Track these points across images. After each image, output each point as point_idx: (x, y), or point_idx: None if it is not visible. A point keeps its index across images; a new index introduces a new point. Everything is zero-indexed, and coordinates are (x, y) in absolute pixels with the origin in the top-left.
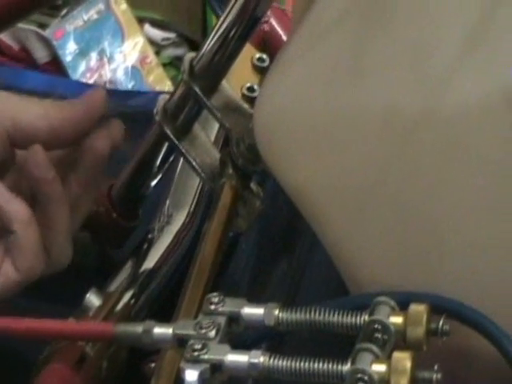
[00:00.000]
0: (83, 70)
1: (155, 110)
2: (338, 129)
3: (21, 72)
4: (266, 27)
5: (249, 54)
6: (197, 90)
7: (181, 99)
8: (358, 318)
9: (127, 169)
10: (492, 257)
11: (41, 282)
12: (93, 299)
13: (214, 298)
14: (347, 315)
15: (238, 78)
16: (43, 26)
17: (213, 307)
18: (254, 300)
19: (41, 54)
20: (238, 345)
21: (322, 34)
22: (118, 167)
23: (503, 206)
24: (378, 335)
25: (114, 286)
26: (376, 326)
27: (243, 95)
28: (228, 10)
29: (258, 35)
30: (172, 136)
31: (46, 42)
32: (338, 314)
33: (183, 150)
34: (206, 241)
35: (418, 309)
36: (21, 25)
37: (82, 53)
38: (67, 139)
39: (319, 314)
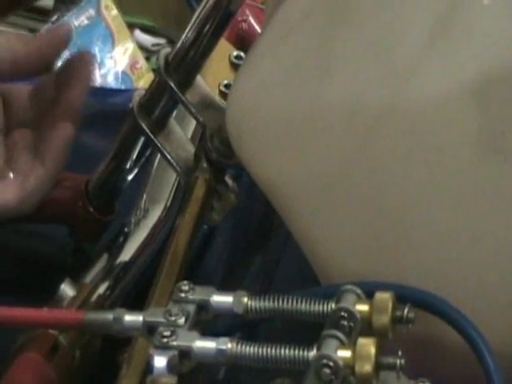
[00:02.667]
0: None
1: (131, 105)
2: (305, 123)
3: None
4: (243, 25)
5: (226, 51)
6: (172, 84)
7: (156, 94)
8: (325, 305)
9: (103, 163)
10: (456, 247)
11: (15, 275)
12: (67, 290)
13: (184, 286)
14: (315, 303)
15: (216, 75)
16: (33, 31)
17: (183, 295)
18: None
19: None
20: (211, 335)
21: (289, 30)
22: (97, 162)
23: (466, 197)
24: (344, 322)
25: (88, 278)
26: (342, 313)
27: (221, 92)
28: (202, 5)
29: (236, 33)
30: (147, 130)
31: None
32: (306, 302)
33: (158, 145)
34: (179, 233)
35: (384, 297)
36: (11, 30)
37: None
38: (30, 71)
39: (287, 302)
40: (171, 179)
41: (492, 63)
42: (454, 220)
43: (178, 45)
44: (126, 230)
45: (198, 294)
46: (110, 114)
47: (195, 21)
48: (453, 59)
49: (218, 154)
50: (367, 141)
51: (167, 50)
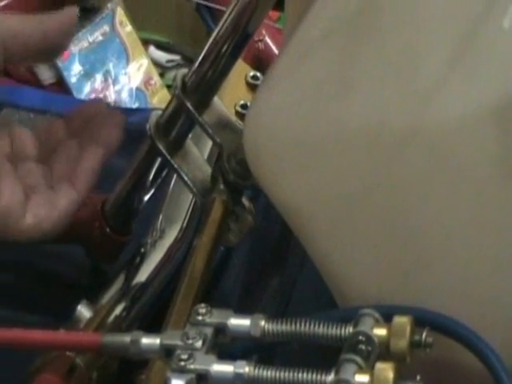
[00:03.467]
0: (88, 91)
1: (148, 126)
2: (325, 144)
3: (18, 89)
4: (260, 45)
5: (243, 71)
6: (189, 105)
7: (173, 115)
8: (343, 329)
9: (120, 184)
10: (478, 271)
11: (34, 295)
12: (83, 311)
13: (202, 308)
14: (332, 327)
15: (233, 96)
16: None
17: (200, 318)
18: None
19: (46, 76)
20: (228, 356)
21: (309, 50)
22: (113, 182)
23: (486, 219)
24: (362, 347)
25: (105, 299)
26: (360, 337)
27: (237, 112)
28: (220, 25)
29: (253, 53)
30: (164, 151)
31: (52, 63)
32: (324, 326)
33: (175, 166)
34: (196, 255)
35: (402, 321)
36: None
37: (87, 74)
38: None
39: (305, 326)
40: (188, 200)
41: None
42: (474, 242)
43: (195, 65)
44: (142, 250)
45: (215, 317)
46: (127, 133)
47: (213, 41)
48: (474, 81)
49: (234, 175)
50: (388, 163)
51: (184, 70)
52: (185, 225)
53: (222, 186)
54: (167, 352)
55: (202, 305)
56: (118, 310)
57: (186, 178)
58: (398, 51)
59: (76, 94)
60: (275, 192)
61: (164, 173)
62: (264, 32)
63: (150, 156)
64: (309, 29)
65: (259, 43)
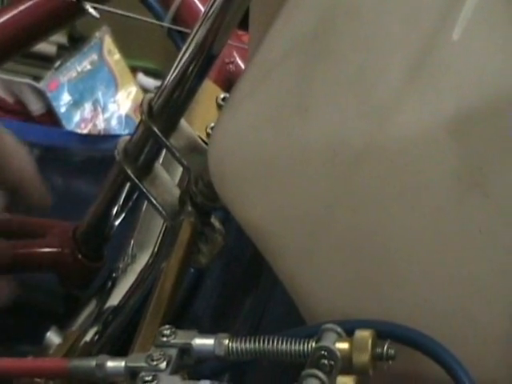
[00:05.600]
0: (77, 121)
1: (116, 151)
2: (285, 164)
3: (18, 125)
4: (231, 67)
5: (214, 93)
6: (155, 130)
7: (141, 139)
8: (306, 345)
9: (91, 210)
10: (440, 283)
11: (6, 324)
12: (53, 337)
13: (166, 330)
14: (295, 343)
15: (204, 118)
16: (37, 78)
17: (164, 339)
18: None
19: (36, 106)
20: (198, 377)
21: (269, 72)
22: (86, 209)
23: (448, 233)
24: (325, 361)
25: (76, 324)
26: (322, 352)
27: (208, 134)
28: (185, 48)
29: (224, 75)
30: (133, 176)
31: (41, 94)
32: (287, 343)
33: (144, 190)
34: (164, 277)
35: (363, 334)
36: (15, 78)
37: (76, 103)
38: None
39: (268, 343)
40: (159, 225)
41: (468, 99)
42: (437, 257)
43: (161, 88)
44: (114, 275)
45: (179, 337)
46: (100, 159)
47: (178, 64)
48: (429, 96)
49: (202, 196)
50: (347, 180)
51: (150, 95)
52: (156, 249)
53: (190, 208)
54: (132, 374)
55: (167, 326)
56: (90, 334)
57: (154, 202)
58: (354, 70)
59: (65, 124)
60: (240, 212)
61: (134, 197)
62: (235, 54)
63: (120, 181)
64: (268, 50)
65: (230, 65)
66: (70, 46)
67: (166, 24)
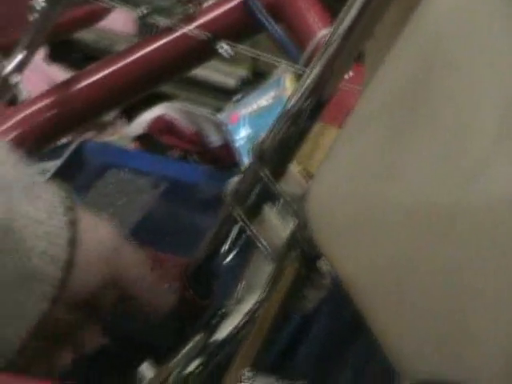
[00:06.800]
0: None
1: (225, 192)
2: (372, 219)
3: (127, 151)
4: None
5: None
6: (265, 174)
7: (250, 182)
8: None
9: (200, 248)
10: None
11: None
12: (146, 371)
13: (247, 373)
14: None
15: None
16: (218, 109)
17: (244, 383)
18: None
19: (214, 138)
20: None
21: (367, 123)
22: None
23: None
24: None
25: (173, 359)
26: None
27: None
28: (297, 90)
29: None
30: (241, 217)
31: (219, 127)
32: None
33: (253, 232)
34: (260, 320)
35: None
36: (197, 109)
37: (251, 139)
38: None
39: None
40: (268, 269)
41: None
42: None
43: (272, 131)
44: (220, 312)
45: (258, 382)
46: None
47: (288, 109)
48: None
49: (308, 243)
50: (435, 240)
51: (261, 139)
52: (264, 293)
53: (295, 254)
54: None
55: (247, 369)
56: (192, 367)
57: (261, 245)
58: (447, 128)
59: (242, 158)
60: (335, 263)
61: (243, 237)
62: None
63: (229, 221)
64: (368, 101)
65: None
66: (252, 80)
67: (297, 67)
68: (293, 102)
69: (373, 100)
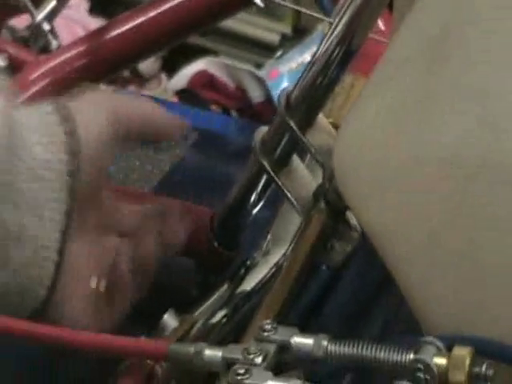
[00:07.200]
0: None
1: (253, 143)
2: (402, 170)
3: (179, 108)
4: None
5: None
6: (292, 124)
7: (277, 133)
8: (404, 355)
9: (227, 199)
10: None
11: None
12: (169, 320)
13: (267, 325)
14: (394, 352)
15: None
16: (259, 65)
17: (265, 334)
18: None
19: (255, 94)
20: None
21: (394, 72)
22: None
23: None
24: (420, 375)
25: (198, 310)
26: (419, 365)
27: None
28: (323, 43)
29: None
30: (269, 168)
31: (261, 82)
32: (385, 351)
33: (279, 183)
34: (285, 271)
35: (461, 352)
36: (238, 64)
37: None
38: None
39: (367, 349)
40: (297, 222)
41: None
42: None
43: (300, 81)
44: (247, 264)
45: (279, 334)
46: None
47: (316, 59)
48: None
49: (335, 194)
50: (463, 191)
51: (289, 89)
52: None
53: (322, 205)
54: (229, 366)
55: (268, 321)
56: (217, 317)
57: (288, 196)
58: (481, 76)
59: None
60: (361, 213)
61: (270, 189)
62: None
63: (256, 172)
64: (396, 49)
65: None
66: (293, 37)
67: (329, 19)
68: (321, 51)
69: (402, 48)
